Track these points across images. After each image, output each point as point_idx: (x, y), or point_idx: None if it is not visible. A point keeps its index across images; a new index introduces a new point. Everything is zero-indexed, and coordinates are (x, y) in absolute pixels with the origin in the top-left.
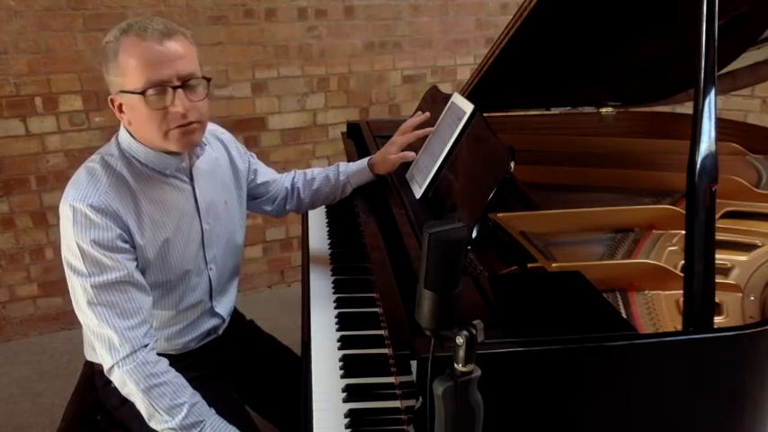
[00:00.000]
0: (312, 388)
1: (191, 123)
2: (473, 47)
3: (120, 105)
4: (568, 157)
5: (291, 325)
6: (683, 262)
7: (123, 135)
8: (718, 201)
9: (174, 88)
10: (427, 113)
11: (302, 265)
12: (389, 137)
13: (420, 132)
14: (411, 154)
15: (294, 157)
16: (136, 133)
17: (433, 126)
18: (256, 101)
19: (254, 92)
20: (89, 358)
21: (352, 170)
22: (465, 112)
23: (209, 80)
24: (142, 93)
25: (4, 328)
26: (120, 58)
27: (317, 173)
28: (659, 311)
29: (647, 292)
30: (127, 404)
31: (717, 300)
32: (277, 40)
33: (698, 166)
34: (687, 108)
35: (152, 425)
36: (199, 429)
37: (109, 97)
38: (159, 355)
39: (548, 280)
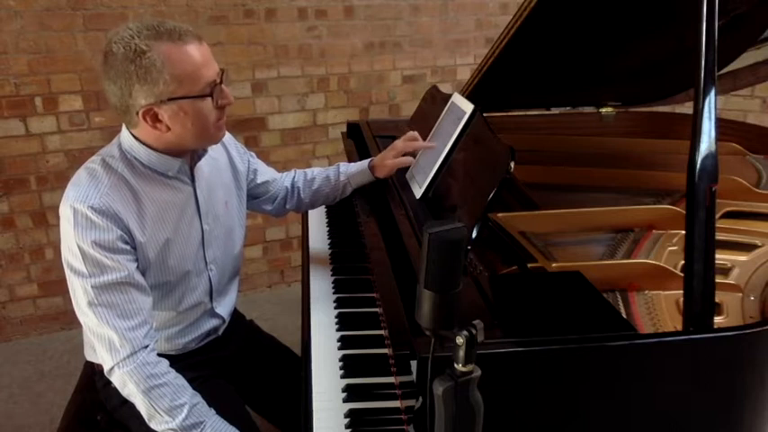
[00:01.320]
0: (312, 388)
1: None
2: (473, 47)
3: (156, 115)
4: (568, 157)
5: (291, 325)
6: (683, 262)
7: (126, 138)
8: (718, 201)
9: (219, 83)
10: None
11: (302, 265)
12: (389, 137)
13: (423, 145)
14: (409, 159)
15: (294, 157)
16: (175, 139)
17: (432, 127)
18: (256, 101)
19: (254, 92)
20: (89, 359)
21: (352, 171)
22: (465, 112)
23: (224, 71)
24: (209, 94)
25: (4, 328)
26: (171, 66)
27: (318, 173)
28: (659, 311)
29: (647, 292)
30: (127, 404)
31: (717, 300)
32: (277, 40)
33: (698, 166)
34: (687, 108)
35: (152, 425)
36: (199, 430)
37: (141, 110)
38: (159, 355)
39: (548, 280)
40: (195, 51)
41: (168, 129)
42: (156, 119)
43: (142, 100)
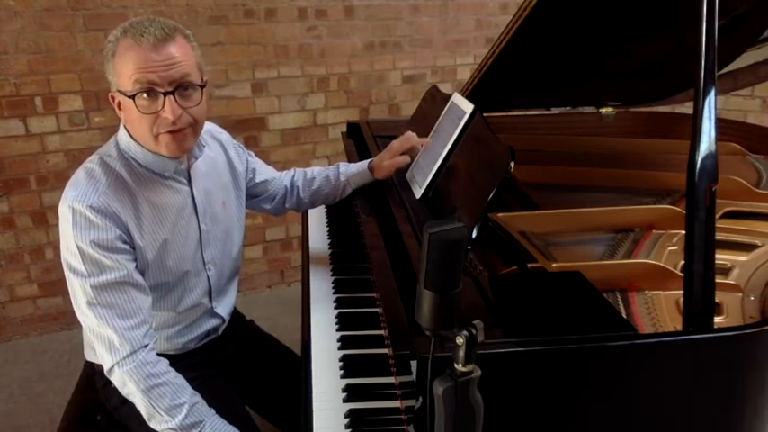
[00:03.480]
0: (312, 388)
1: (181, 129)
2: (473, 47)
3: (119, 103)
4: (568, 157)
5: (291, 325)
6: (683, 262)
7: (122, 136)
8: (718, 201)
9: (165, 94)
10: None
11: (302, 265)
12: (389, 137)
13: (423, 140)
14: (405, 158)
15: (294, 157)
16: (131, 132)
17: (432, 127)
18: (256, 101)
19: (254, 92)
20: (89, 359)
21: (352, 172)
22: (465, 112)
23: (203, 87)
24: (132, 96)
25: (4, 328)
26: (116, 59)
27: (318, 172)
28: (659, 311)
29: (647, 292)
30: (127, 404)
31: (717, 300)
32: (277, 40)
33: (698, 166)
34: (687, 108)
35: (152, 425)
36: (199, 429)
37: (109, 94)
38: (159, 355)
39: (548, 280)
40: (142, 53)
41: (126, 121)
42: (118, 107)
43: (111, 86)
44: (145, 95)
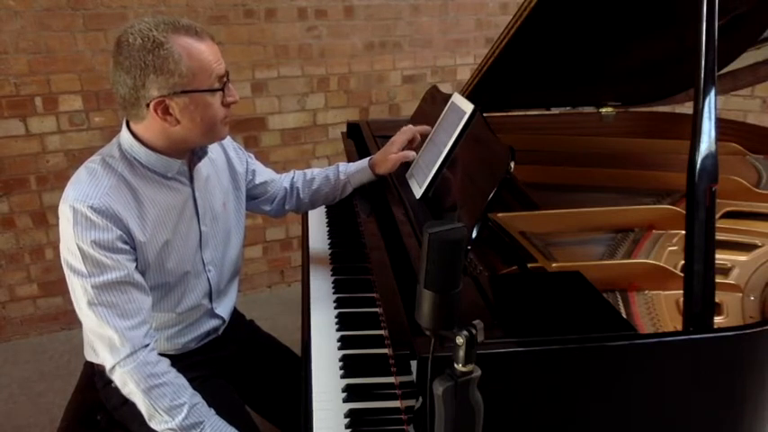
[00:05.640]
0: (312, 388)
1: None
2: (473, 47)
3: (167, 108)
4: (568, 157)
5: (291, 325)
6: (683, 262)
7: (125, 137)
8: (718, 201)
9: (227, 81)
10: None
11: (302, 265)
12: (389, 137)
13: (420, 128)
14: (412, 153)
15: (294, 157)
16: (183, 133)
17: (433, 126)
18: (256, 101)
19: (254, 92)
20: (89, 359)
21: (352, 170)
22: (465, 112)
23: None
24: (220, 89)
25: (4, 328)
26: (188, 58)
27: (317, 173)
28: (659, 311)
29: (647, 292)
30: (127, 404)
31: (717, 300)
32: (277, 40)
33: (698, 166)
34: (687, 108)
35: (152, 425)
36: (199, 430)
37: (153, 102)
38: (159, 355)
39: (548, 280)
40: (209, 47)
41: (177, 122)
42: (166, 111)
43: (155, 91)
44: (223, 86)
